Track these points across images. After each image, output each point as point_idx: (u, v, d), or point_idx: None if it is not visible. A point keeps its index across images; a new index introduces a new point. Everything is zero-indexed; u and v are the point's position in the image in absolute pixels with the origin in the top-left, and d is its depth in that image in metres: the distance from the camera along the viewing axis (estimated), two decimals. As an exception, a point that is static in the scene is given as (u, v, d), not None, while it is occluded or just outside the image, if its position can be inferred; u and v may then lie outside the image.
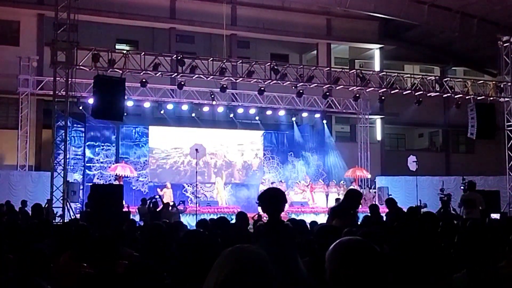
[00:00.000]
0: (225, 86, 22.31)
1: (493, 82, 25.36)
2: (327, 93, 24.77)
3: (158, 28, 28.05)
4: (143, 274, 3.74)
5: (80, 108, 22.72)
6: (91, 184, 20.26)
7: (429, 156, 31.76)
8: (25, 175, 22.73)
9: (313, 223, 9.36)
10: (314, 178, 26.05)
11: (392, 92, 23.55)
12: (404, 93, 23.52)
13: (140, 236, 7.17)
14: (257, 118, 26.27)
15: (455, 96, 23.72)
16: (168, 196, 21.44)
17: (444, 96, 24.54)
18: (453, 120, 30.20)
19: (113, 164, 23.67)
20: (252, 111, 25.58)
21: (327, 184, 25.26)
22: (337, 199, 18.54)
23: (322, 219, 16.97)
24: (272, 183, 23.77)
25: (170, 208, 16.93)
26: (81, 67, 18.69)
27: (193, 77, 21.19)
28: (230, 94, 25.25)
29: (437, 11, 26.82)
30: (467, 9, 26.35)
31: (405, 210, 10.93)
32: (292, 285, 4.09)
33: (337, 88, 23.65)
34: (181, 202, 18.99)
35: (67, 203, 17.09)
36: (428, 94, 23.60)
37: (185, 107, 24.62)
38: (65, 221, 15.44)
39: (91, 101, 20.18)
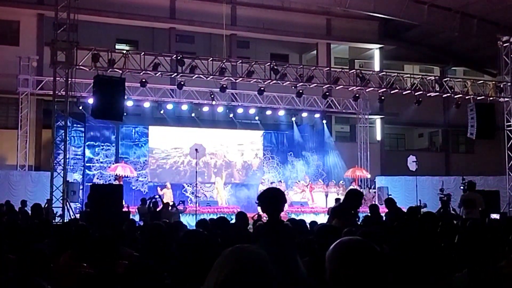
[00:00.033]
0: (225, 86, 22.30)
1: (493, 82, 25.37)
2: (327, 93, 24.76)
3: (158, 28, 28.04)
4: (143, 274, 3.74)
5: (80, 108, 22.73)
6: (91, 184, 20.26)
7: (429, 156, 31.77)
8: (25, 175, 22.72)
9: (313, 223, 9.36)
10: (313, 178, 26.07)
11: (392, 92, 23.55)
12: (404, 93, 23.52)
13: (140, 236, 7.16)
14: (257, 118, 26.28)
15: (455, 96, 23.73)
16: (168, 196, 21.45)
17: (444, 96, 24.55)
18: (453, 120, 30.23)
19: (113, 164, 23.67)
20: (252, 111, 25.58)
21: (326, 184, 25.27)
22: (337, 199, 18.52)
23: (322, 219, 16.97)
24: (271, 183, 23.78)
25: (170, 208, 16.94)
26: (81, 67, 18.69)
27: (193, 77, 21.19)
28: (230, 94, 25.25)
29: (437, 11, 26.82)
30: (467, 9, 26.34)
31: (405, 210, 10.93)
32: (292, 285, 4.09)
33: (337, 88, 23.65)
34: (181, 202, 19.00)
35: (67, 203, 17.09)
36: (428, 94, 23.60)
37: (185, 107, 24.62)
38: (65, 221, 15.44)
39: (91, 101, 20.17)
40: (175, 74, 21.09)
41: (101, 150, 24.10)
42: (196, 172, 21.23)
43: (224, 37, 24.51)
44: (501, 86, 24.23)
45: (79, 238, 5.71)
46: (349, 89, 23.67)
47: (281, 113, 26.33)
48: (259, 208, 5.29)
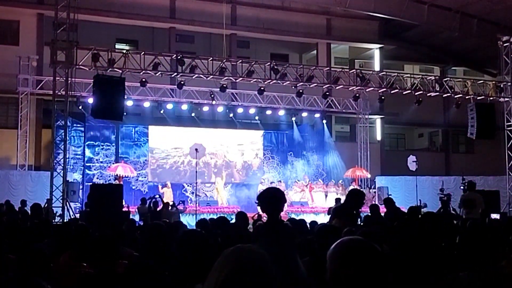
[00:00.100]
0: (225, 85, 22.30)
1: (493, 82, 25.37)
2: (327, 93, 24.76)
3: (158, 28, 28.03)
4: (143, 274, 3.73)
5: (80, 107, 22.73)
6: (90, 183, 20.25)
7: (429, 156, 31.77)
8: (24, 175, 22.72)
9: (313, 223, 9.35)
10: (313, 178, 26.07)
11: (392, 92, 23.55)
12: (404, 93, 23.53)
13: (140, 236, 7.16)
14: (257, 118, 26.28)
15: (455, 96, 23.73)
16: (168, 195, 21.46)
17: (444, 96, 24.56)
18: (453, 120, 30.23)
19: (113, 163, 23.67)
20: (252, 111, 25.58)
21: (326, 184, 25.28)
22: (336, 199, 18.51)
23: (321, 219, 16.97)
24: (271, 182, 23.77)
25: (170, 208, 16.95)
26: (81, 66, 18.69)
27: (193, 77, 21.19)
28: (230, 94, 25.24)
29: (437, 11, 26.82)
30: (467, 9, 26.35)
31: (405, 210, 10.93)
32: (292, 285, 4.08)
33: (337, 88, 23.65)
34: (180, 202, 19.02)
35: (67, 203, 17.10)
36: (428, 94, 23.60)
37: (184, 107, 24.61)
38: (65, 221, 15.44)
39: (90, 100, 20.17)
40: (175, 74, 21.09)
41: (101, 149, 24.10)
42: (196, 172, 21.23)
43: (224, 37, 24.51)
44: (501, 86, 24.23)
45: (79, 238, 5.70)
46: (349, 89, 23.67)
47: (281, 113, 26.33)
48: (259, 208, 5.28)
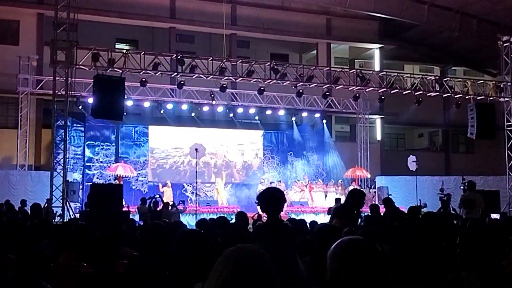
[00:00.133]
0: (225, 85, 22.30)
1: (493, 82, 25.38)
2: (327, 93, 24.76)
3: (158, 28, 28.03)
4: (143, 274, 3.73)
5: (80, 107, 22.73)
6: (90, 183, 20.25)
7: (429, 156, 31.77)
8: (24, 175, 22.73)
9: (313, 223, 9.35)
10: (313, 177, 26.07)
11: (392, 92, 23.56)
12: (404, 93, 23.53)
13: (140, 236, 7.16)
14: (257, 118, 26.27)
15: (455, 96, 23.74)
16: (168, 194, 21.46)
17: (444, 96, 24.56)
18: (453, 120, 30.23)
19: (113, 163, 23.66)
20: (252, 110, 25.58)
21: (326, 184, 25.27)
22: (336, 199, 18.51)
23: (321, 219, 16.97)
24: (271, 182, 23.76)
25: (170, 207, 16.94)
26: (81, 66, 18.70)
27: (193, 77, 21.20)
28: (230, 93, 25.24)
29: (437, 11, 26.82)
30: (467, 9, 26.35)
31: (405, 210, 10.93)
32: (292, 285, 4.08)
33: (337, 88, 23.65)
34: (180, 202, 19.02)
35: (67, 203, 17.10)
36: (428, 94, 23.60)
37: (184, 107, 24.61)
38: (65, 220, 15.44)
39: (90, 100, 20.17)
40: (175, 73, 21.09)
41: (101, 149, 24.10)
42: (196, 172, 21.22)
43: (224, 37, 24.51)
44: (501, 86, 24.24)
45: (79, 238, 5.70)
46: (349, 89, 23.67)
47: (281, 113, 26.32)
48: (258, 208, 5.28)
